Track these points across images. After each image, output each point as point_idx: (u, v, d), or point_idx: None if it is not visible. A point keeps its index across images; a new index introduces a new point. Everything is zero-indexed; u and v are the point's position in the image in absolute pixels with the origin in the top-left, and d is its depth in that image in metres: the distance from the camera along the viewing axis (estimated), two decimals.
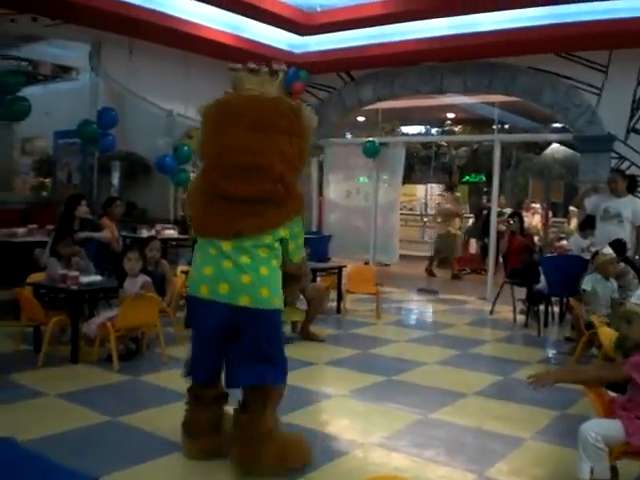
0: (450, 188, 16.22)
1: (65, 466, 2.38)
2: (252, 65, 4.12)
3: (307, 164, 4.16)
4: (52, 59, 12.78)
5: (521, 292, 9.19)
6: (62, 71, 13.28)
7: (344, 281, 9.24)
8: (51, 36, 10.44)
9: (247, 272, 3.84)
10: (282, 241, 3.99)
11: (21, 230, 8.77)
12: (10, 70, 9.93)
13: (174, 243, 10.77)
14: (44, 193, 12.83)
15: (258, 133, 3.91)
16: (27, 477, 2.16)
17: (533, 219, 14.54)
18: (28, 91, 9.55)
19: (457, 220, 14.48)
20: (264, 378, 3.89)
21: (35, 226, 8.98)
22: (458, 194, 15.87)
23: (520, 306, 9.25)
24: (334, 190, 13.64)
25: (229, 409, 4.14)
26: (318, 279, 8.68)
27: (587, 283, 6.79)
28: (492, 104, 12.41)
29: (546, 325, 8.78)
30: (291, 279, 4.24)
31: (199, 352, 4.08)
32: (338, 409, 5.34)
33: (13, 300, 6.65)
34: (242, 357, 3.89)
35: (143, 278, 6.38)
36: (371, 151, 12.59)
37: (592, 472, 3.31)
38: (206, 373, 4.10)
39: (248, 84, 4.07)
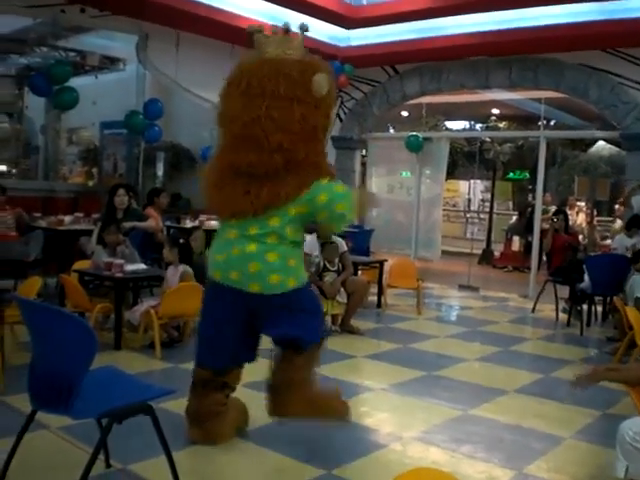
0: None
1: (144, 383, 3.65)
2: (270, 27, 3.97)
3: (324, 133, 3.89)
4: (100, 50, 12.92)
5: (564, 291, 9.08)
6: (109, 62, 13.44)
7: (385, 275, 9.21)
8: (99, 27, 10.57)
9: (254, 260, 3.74)
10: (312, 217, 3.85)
11: (67, 218, 8.91)
12: (58, 60, 10.07)
13: None
14: (90, 182, 13.02)
15: (252, 100, 3.74)
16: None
17: (578, 217, 14.36)
18: (76, 82, 9.68)
19: None
20: (295, 334, 3.82)
21: (81, 214, 9.12)
22: None
23: (563, 305, 9.15)
24: (377, 184, 13.59)
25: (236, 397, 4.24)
26: (359, 273, 8.68)
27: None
28: (538, 100, 12.25)
29: (589, 324, 8.68)
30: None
31: (215, 337, 3.98)
32: (377, 402, 5.34)
33: (59, 286, 6.77)
34: (274, 323, 3.84)
35: (183, 268, 6.46)
36: (414, 146, 12.53)
37: (627, 471, 3.26)
38: (223, 359, 4.00)
39: (267, 47, 3.92)
